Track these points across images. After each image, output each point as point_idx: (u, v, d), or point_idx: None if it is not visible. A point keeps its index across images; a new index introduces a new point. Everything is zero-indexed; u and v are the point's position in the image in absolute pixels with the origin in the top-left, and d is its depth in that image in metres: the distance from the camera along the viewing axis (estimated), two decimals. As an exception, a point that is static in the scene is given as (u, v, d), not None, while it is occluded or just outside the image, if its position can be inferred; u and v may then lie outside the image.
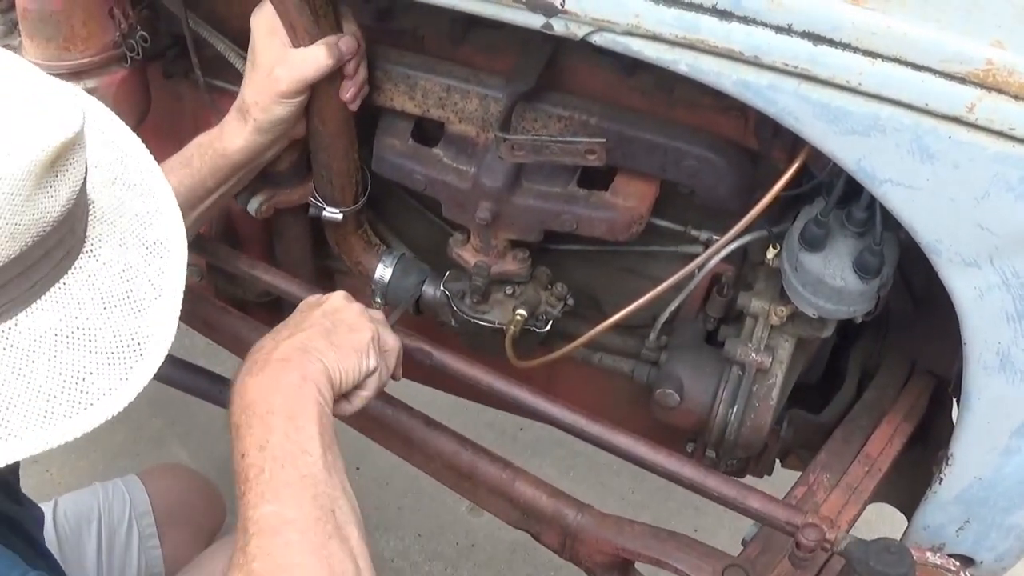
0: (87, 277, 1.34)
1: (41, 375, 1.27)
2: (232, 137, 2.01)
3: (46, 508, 2.28)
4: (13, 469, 1.85)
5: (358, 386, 1.69)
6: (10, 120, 1.21)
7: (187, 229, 1.85)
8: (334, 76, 1.97)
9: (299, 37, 1.91)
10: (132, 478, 2.61)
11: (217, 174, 2.04)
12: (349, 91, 2.00)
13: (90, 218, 1.38)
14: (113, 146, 1.53)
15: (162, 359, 1.37)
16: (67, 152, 1.23)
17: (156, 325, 1.38)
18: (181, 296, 1.43)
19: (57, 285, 1.30)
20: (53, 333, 1.29)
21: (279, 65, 1.93)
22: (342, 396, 1.66)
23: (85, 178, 1.31)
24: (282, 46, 1.94)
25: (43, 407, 1.26)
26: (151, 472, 2.69)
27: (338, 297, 1.77)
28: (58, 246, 1.28)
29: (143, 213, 1.47)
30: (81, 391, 1.29)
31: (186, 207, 1.90)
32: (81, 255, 1.35)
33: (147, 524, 2.53)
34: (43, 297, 1.29)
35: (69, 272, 1.32)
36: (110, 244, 1.39)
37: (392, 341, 1.80)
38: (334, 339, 1.65)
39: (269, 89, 1.95)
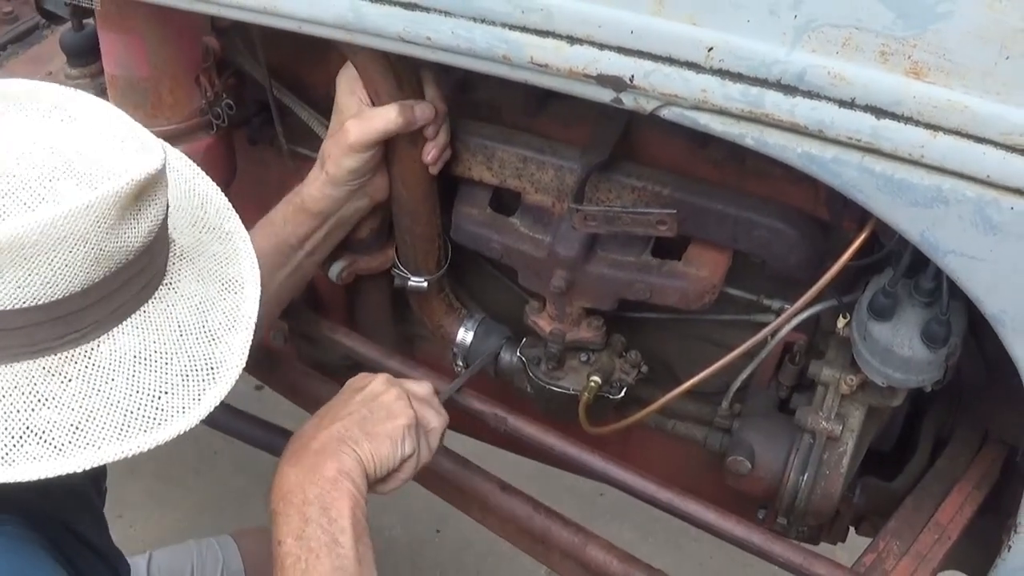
0: (166, 307, 1.42)
1: (120, 392, 1.35)
2: (309, 187, 2.08)
3: (140, 560, 2.40)
4: (100, 496, 1.94)
5: (396, 468, 1.77)
6: (102, 155, 1.32)
7: (276, 291, 2.00)
8: (416, 140, 2.02)
9: (381, 101, 1.97)
10: (226, 538, 2.65)
11: (299, 228, 2.10)
12: (431, 152, 2.03)
13: (171, 255, 1.47)
14: (193, 193, 1.64)
15: (232, 384, 1.45)
16: (150, 186, 1.32)
17: (229, 353, 1.46)
18: (253, 328, 1.51)
19: (137, 312, 1.39)
20: (132, 355, 1.37)
21: (352, 119, 1.99)
22: (379, 481, 1.75)
23: (166, 215, 1.40)
24: (360, 103, 2.00)
25: (120, 421, 1.34)
26: (244, 533, 2.73)
27: (379, 382, 1.83)
28: (139, 275, 1.37)
29: (220, 254, 1.57)
30: (157, 408, 1.37)
31: (273, 266, 2.02)
32: (161, 287, 1.43)
33: (238, 583, 2.58)
34: (124, 322, 1.37)
35: (149, 302, 1.41)
36: (189, 279, 1.48)
37: (436, 421, 1.87)
38: (369, 428, 1.73)
39: (340, 140, 2.00)
